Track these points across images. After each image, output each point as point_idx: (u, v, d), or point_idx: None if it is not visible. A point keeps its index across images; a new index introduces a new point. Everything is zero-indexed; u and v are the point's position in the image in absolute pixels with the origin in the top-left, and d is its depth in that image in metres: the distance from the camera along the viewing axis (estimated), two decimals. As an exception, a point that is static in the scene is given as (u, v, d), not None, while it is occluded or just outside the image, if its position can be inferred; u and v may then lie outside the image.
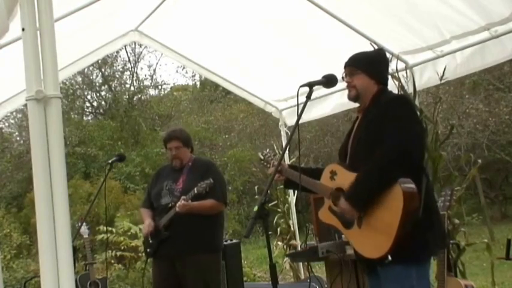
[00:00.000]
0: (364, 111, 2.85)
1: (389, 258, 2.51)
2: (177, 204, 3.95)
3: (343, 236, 4.07)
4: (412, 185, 2.51)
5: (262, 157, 3.34)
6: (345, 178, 2.69)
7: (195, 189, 3.95)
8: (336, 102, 5.65)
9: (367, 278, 2.98)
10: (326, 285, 4.62)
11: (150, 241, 4.16)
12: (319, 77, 2.79)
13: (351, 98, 2.90)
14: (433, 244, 2.65)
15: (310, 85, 2.68)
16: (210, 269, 4.03)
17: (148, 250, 4.21)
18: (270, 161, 3.25)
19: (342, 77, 2.92)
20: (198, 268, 3.95)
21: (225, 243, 5.44)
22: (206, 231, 4.05)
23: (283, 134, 6.51)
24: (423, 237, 2.57)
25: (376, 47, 4.26)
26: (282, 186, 5.87)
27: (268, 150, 3.38)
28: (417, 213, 2.51)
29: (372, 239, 2.57)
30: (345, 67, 2.89)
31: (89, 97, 18.51)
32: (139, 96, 18.07)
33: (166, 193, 4.17)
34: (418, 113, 3.73)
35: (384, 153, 2.53)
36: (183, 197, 3.96)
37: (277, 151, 7.09)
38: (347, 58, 2.93)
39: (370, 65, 2.86)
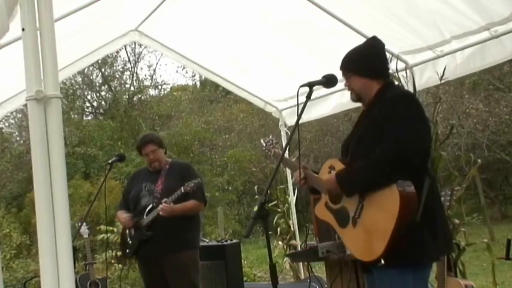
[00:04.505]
0: (368, 106, 2.78)
1: (382, 262, 2.44)
2: (159, 208, 4.01)
3: (339, 236, 4.07)
4: (411, 188, 2.44)
5: (264, 144, 3.23)
6: None
7: (182, 188, 4.02)
8: (336, 102, 5.65)
9: (364, 275, 2.95)
10: (326, 285, 4.62)
11: (130, 242, 4.22)
12: (319, 77, 2.76)
13: (353, 100, 2.85)
14: (434, 249, 2.52)
15: (310, 85, 2.65)
16: (190, 266, 4.14)
17: (127, 251, 4.26)
18: (271, 148, 3.16)
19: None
20: (179, 265, 4.06)
21: (225, 243, 5.47)
22: (185, 230, 4.15)
23: (283, 134, 6.51)
24: (422, 242, 2.47)
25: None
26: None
27: (270, 136, 3.27)
28: (414, 216, 2.42)
29: (365, 240, 2.52)
30: (340, 69, 2.84)
31: (89, 97, 18.54)
32: (140, 96, 18.07)
33: (146, 194, 4.23)
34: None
35: (384, 153, 2.46)
36: (165, 199, 4.02)
37: (279, 148, 7.08)
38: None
39: (359, 64, 2.77)
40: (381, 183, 2.45)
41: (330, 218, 2.74)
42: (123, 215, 4.25)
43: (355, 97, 2.82)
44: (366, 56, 2.80)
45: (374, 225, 2.48)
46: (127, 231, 4.28)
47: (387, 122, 2.53)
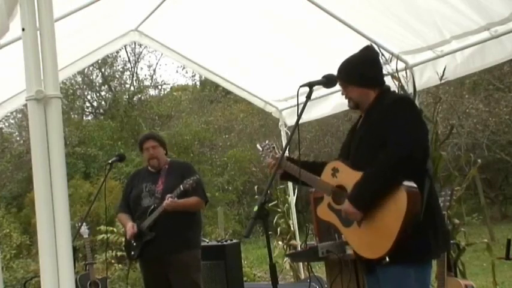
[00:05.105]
0: (367, 111, 2.83)
1: (387, 259, 2.50)
2: (165, 202, 4.01)
3: (343, 235, 4.07)
4: (416, 188, 2.50)
5: (261, 148, 3.26)
6: (348, 176, 2.69)
7: (181, 186, 4.03)
8: (336, 102, 5.64)
9: (365, 277, 2.98)
10: (326, 285, 4.62)
11: (134, 244, 4.20)
12: (319, 77, 2.78)
13: (351, 108, 2.92)
14: (435, 247, 2.62)
15: (310, 85, 2.67)
16: (193, 265, 4.15)
17: (132, 253, 4.25)
18: (268, 153, 3.20)
19: None
20: (182, 265, 4.06)
21: (225, 243, 5.47)
22: (187, 229, 4.15)
23: (283, 134, 6.52)
24: (425, 240, 2.56)
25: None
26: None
27: (267, 141, 3.31)
28: (419, 215, 2.51)
29: (371, 239, 2.57)
30: (336, 79, 2.86)
31: (89, 97, 18.55)
32: (139, 96, 18.07)
33: (147, 195, 4.23)
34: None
35: (388, 157, 2.53)
36: (169, 195, 4.03)
37: (277, 151, 7.09)
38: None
39: (355, 75, 2.81)
40: (389, 189, 2.52)
41: (333, 218, 2.77)
42: (128, 223, 4.21)
43: (353, 105, 2.88)
44: (362, 67, 2.83)
45: (380, 224, 2.53)
46: None
47: (387, 126, 2.60)
